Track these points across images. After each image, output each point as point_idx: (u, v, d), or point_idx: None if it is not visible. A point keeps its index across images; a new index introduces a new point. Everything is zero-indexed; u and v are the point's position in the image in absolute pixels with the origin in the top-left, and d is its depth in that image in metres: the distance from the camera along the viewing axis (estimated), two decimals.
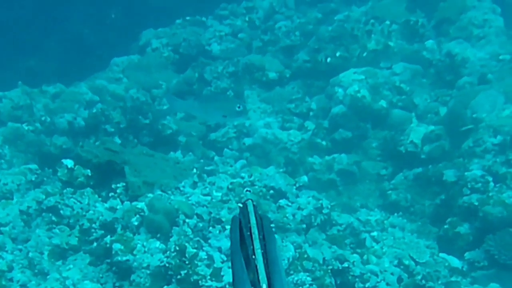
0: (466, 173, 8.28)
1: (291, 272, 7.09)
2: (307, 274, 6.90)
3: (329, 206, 7.89)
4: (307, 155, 9.80)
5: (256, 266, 2.16)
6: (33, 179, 8.40)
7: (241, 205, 2.44)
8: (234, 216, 2.53)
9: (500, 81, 9.52)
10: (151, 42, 12.48)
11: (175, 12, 13.79)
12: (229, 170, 9.58)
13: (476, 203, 7.94)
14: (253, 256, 2.18)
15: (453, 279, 7.42)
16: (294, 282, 7.14)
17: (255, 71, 11.30)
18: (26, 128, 9.67)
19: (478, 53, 10.33)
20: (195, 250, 6.65)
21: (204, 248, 7.01)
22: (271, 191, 8.05)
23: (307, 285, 6.85)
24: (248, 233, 2.30)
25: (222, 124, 10.35)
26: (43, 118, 9.81)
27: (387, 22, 11.23)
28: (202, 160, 9.72)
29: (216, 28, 12.92)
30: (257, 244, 2.29)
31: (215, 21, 13.14)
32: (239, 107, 5.75)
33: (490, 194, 7.93)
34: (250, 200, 2.38)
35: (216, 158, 9.99)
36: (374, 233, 8.28)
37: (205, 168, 9.49)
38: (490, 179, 8.11)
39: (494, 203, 7.84)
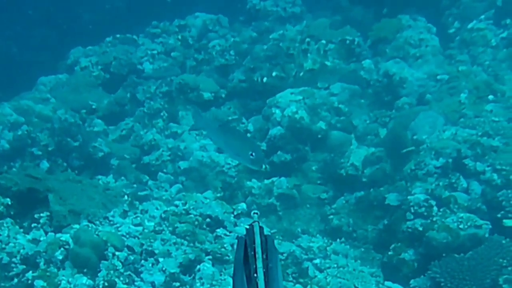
0: (409, 197, 8.18)
1: None
2: None
3: (270, 234, 6.90)
4: (245, 179, 9.62)
5: (257, 284, 2.11)
6: None
7: (248, 227, 2.38)
8: (239, 236, 2.43)
9: (439, 102, 9.53)
10: (79, 61, 12.10)
11: (105, 30, 13.45)
12: (164, 195, 9.42)
13: (420, 228, 7.89)
14: (255, 275, 2.14)
15: None
16: None
17: (189, 91, 11.02)
18: None
19: (416, 73, 10.36)
20: (125, 286, 6.38)
21: (136, 283, 6.73)
22: (208, 220, 7.89)
23: None
24: (252, 252, 2.23)
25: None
26: None
27: (323, 41, 11.02)
28: (135, 185, 9.40)
29: (148, 46, 12.65)
30: (259, 263, 2.20)
31: (147, 39, 12.84)
32: (252, 155, 5.40)
33: (434, 219, 7.91)
34: (256, 222, 2.37)
35: (150, 182, 9.77)
36: (317, 261, 8.09)
37: (139, 193, 9.18)
38: (434, 203, 8.05)
39: (439, 228, 7.79)
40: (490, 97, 9.43)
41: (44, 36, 14.24)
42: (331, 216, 8.95)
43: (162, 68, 12.02)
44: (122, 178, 9.52)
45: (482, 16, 11.13)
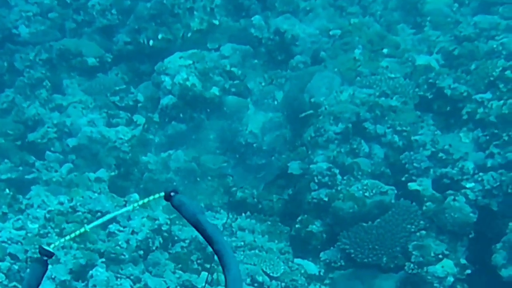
0: (311, 166, 8.08)
1: None
2: None
3: (168, 222, 7.51)
4: (140, 153, 9.27)
5: None
6: None
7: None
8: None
9: (333, 59, 9.47)
10: None
11: None
12: (54, 176, 8.88)
13: (326, 199, 7.78)
14: None
15: (311, 287, 7.30)
16: None
17: (72, 58, 10.40)
18: None
19: (308, 28, 10.14)
20: None
21: None
22: (99, 215, 7.36)
23: None
24: None
25: None
26: None
27: None
28: (21, 168, 8.94)
29: (22, 8, 11.49)
30: None
31: (23, 2, 11.70)
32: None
33: (339, 188, 7.82)
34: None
35: (37, 163, 9.15)
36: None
37: (26, 177, 8.84)
38: (337, 171, 7.93)
39: (344, 197, 7.71)
40: (385, 50, 9.47)
41: None
42: (234, 188, 8.87)
43: (40, 32, 11.18)
44: (6, 160, 9.04)
45: None
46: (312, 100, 8.78)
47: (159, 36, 10.22)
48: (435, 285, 7.52)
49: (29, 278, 2.14)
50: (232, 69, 9.70)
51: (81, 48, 10.39)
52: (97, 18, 10.98)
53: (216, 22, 10.29)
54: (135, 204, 2.36)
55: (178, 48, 10.02)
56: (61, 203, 7.50)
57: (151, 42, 10.21)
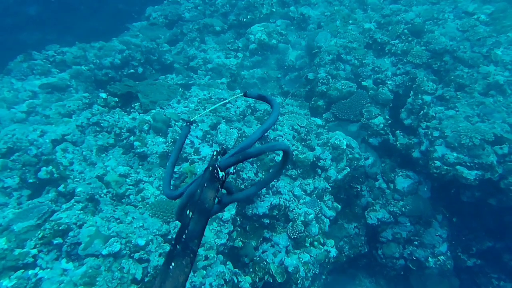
0: (318, 75, 8.29)
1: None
2: None
3: (252, 104, 7.50)
4: (240, 71, 9.58)
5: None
6: (86, 101, 7.74)
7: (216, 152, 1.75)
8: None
9: (327, 26, 9.60)
10: (151, 14, 11.73)
11: None
12: (202, 81, 8.97)
13: (325, 90, 8.03)
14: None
15: (319, 130, 7.44)
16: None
17: (209, 27, 10.77)
18: (84, 68, 9.04)
19: (315, 12, 10.19)
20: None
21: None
22: (219, 100, 7.45)
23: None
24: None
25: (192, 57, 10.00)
26: (94, 61, 9.24)
27: None
28: (186, 78, 9.16)
29: (185, 5, 11.78)
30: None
31: (185, 1, 12.08)
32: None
33: (331, 85, 8.05)
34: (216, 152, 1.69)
35: (194, 76, 9.36)
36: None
37: (188, 82, 8.82)
38: (330, 77, 8.14)
39: (333, 89, 7.95)
40: (350, 21, 9.78)
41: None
42: (283, 85, 9.28)
43: (194, 15, 11.45)
44: (180, 75, 9.44)
45: None
46: (318, 45, 9.34)
47: (248, 16, 10.84)
48: (374, 128, 7.70)
49: (181, 133, 1.96)
50: (281, 31, 10.47)
51: (213, 22, 11.08)
52: (219, 8, 11.64)
53: (274, 10, 11.02)
54: (233, 96, 2.14)
55: (256, 22, 10.70)
56: (204, 95, 7.60)
57: (244, 19, 10.96)
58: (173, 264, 1.17)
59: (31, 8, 12.51)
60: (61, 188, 5.38)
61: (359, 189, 6.95)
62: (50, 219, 4.84)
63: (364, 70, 8.08)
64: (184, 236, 1.22)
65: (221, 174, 1.44)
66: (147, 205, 5.28)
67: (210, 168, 1.48)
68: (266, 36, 9.48)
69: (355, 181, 7.07)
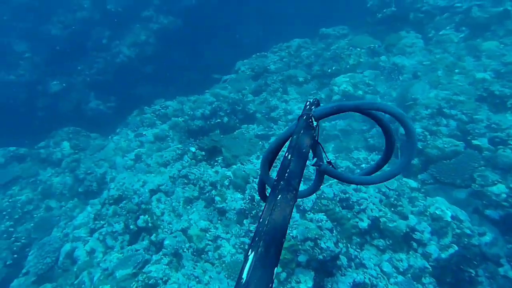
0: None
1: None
2: None
3: (335, 156, 7.27)
4: (321, 122, 7.44)
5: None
6: (179, 152, 7.93)
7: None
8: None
9: (425, 76, 8.33)
10: (240, 67, 12.06)
11: (253, 49, 12.82)
12: (280, 130, 9.02)
13: (420, 147, 6.75)
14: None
15: (413, 194, 6.18)
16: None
17: (292, 78, 10.30)
18: (180, 119, 9.83)
19: (411, 61, 8.95)
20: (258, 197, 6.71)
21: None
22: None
23: None
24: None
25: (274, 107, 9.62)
26: (189, 113, 9.95)
27: (358, 49, 9.79)
28: (267, 129, 8.81)
29: (271, 58, 11.94)
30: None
31: (271, 54, 12.36)
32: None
33: (429, 142, 6.78)
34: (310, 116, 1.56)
35: (274, 126, 8.85)
36: (363, 165, 6.90)
37: (268, 133, 8.39)
38: (427, 133, 6.99)
39: (432, 147, 6.71)
40: (457, 70, 8.10)
41: (225, 54, 13.24)
42: (369, 139, 7.83)
43: (279, 67, 11.08)
44: (260, 126, 9.21)
45: (448, 27, 9.87)
46: (413, 96, 7.82)
47: (333, 67, 10.17)
48: (493, 198, 6.09)
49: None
50: (369, 81, 9.24)
51: (296, 73, 10.56)
52: (304, 59, 11.29)
53: (362, 60, 10.15)
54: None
55: (342, 73, 9.83)
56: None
57: (329, 70, 10.32)
58: (279, 196, 1.18)
59: (148, 67, 13.91)
60: (153, 237, 5.74)
61: (473, 274, 5.22)
62: (143, 270, 5.13)
63: (476, 127, 6.59)
64: (286, 175, 1.22)
65: (314, 123, 1.46)
66: (223, 265, 5.24)
67: (305, 117, 1.46)
68: (351, 87, 8.66)
69: (466, 263, 5.37)
